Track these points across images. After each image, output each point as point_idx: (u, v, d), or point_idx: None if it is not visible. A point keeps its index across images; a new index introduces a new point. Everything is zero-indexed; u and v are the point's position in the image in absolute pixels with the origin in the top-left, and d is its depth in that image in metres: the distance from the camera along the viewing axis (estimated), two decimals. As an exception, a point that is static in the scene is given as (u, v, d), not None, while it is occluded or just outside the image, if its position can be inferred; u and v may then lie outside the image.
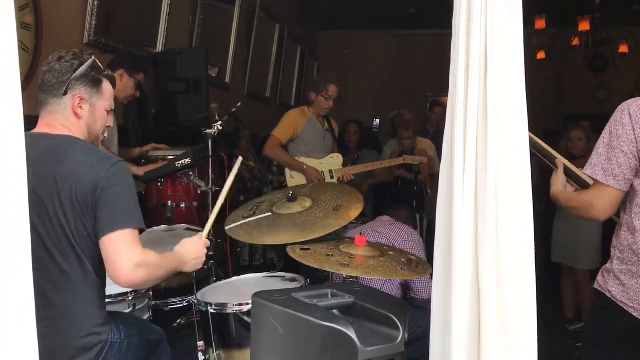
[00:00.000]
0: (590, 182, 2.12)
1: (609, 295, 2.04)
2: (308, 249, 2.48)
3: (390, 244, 2.97)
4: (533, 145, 2.36)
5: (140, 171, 3.61)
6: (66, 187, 1.87)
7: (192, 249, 2.16)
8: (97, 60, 2.07)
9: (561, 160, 2.27)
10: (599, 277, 2.12)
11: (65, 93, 1.96)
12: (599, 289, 2.10)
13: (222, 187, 3.72)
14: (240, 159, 2.45)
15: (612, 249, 2.09)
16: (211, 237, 2.41)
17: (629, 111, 1.97)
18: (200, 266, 2.21)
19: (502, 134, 1.62)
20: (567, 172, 2.26)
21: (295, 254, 2.41)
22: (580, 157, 4.17)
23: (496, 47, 1.60)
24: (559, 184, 2.22)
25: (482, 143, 1.63)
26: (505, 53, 1.60)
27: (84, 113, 2.00)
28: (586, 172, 2.06)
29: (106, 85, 2.07)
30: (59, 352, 1.89)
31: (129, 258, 1.86)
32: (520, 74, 1.62)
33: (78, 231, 1.89)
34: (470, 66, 1.62)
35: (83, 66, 1.98)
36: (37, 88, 2.01)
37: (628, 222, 2.03)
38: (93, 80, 2.01)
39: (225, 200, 2.41)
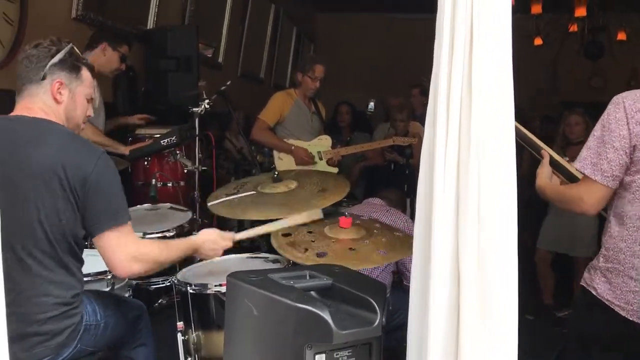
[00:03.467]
0: (577, 174, 2.06)
1: (595, 293, 1.99)
2: (290, 235, 2.46)
3: None
4: (519, 135, 2.31)
5: (127, 150, 3.58)
6: (46, 172, 1.83)
7: (213, 244, 2.24)
8: (76, 48, 2.06)
9: (547, 150, 2.21)
10: (586, 274, 2.07)
11: (43, 78, 1.94)
12: (585, 285, 2.04)
13: (209, 166, 3.73)
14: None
15: (601, 245, 2.05)
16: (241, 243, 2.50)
17: (623, 105, 1.89)
18: (213, 257, 2.35)
19: (487, 114, 1.56)
20: (553, 163, 2.20)
21: (276, 240, 2.40)
22: (578, 143, 4.11)
23: (482, 22, 1.54)
24: (544, 175, 2.15)
25: (465, 123, 1.58)
26: (492, 29, 1.54)
27: (63, 98, 1.97)
28: (575, 166, 1.99)
29: (85, 72, 2.05)
30: (26, 338, 1.85)
31: (126, 253, 1.92)
32: (507, 52, 1.56)
33: (51, 215, 1.85)
34: (455, 42, 1.56)
35: (61, 52, 1.97)
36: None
37: (615, 218, 1.97)
38: (72, 67, 2.00)
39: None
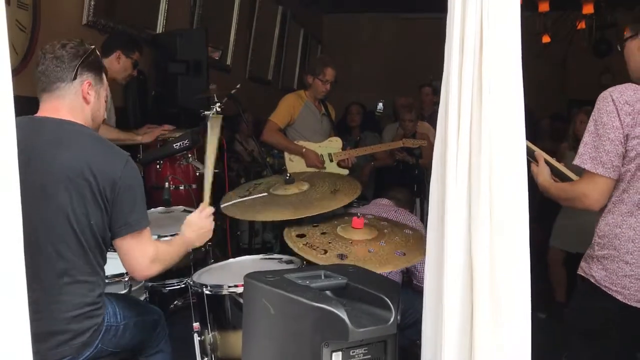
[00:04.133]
0: (571, 175, 2.14)
1: (593, 281, 2.05)
2: (304, 235, 2.48)
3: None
4: None
5: (143, 138, 3.63)
6: (74, 175, 1.87)
7: (195, 224, 2.23)
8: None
9: (540, 153, 2.25)
10: (583, 264, 2.12)
11: (75, 78, 1.97)
12: (583, 274, 2.10)
13: (221, 169, 3.75)
14: (216, 116, 2.42)
15: (594, 236, 2.10)
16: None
17: (611, 98, 1.97)
18: (210, 235, 2.29)
19: (497, 110, 1.58)
20: (547, 164, 2.24)
21: (292, 242, 2.42)
22: None
23: (492, 21, 1.56)
24: (545, 174, 2.20)
25: (476, 120, 1.60)
26: (501, 28, 1.56)
27: (91, 99, 2.02)
28: (575, 162, 2.05)
29: (104, 76, 2.12)
30: (51, 337, 1.89)
31: (145, 256, 1.98)
32: (516, 50, 1.58)
33: (81, 217, 1.89)
34: (466, 40, 1.59)
35: (88, 53, 2.01)
36: (36, 74, 2.00)
37: (609, 205, 2.03)
38: (98, 68, 2.05)
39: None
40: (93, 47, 2.06)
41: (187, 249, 2.22)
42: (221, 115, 2.43)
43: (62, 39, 2.02)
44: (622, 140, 1.96)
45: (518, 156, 1.61)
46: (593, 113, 2.02)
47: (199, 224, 2.23)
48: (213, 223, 2.28)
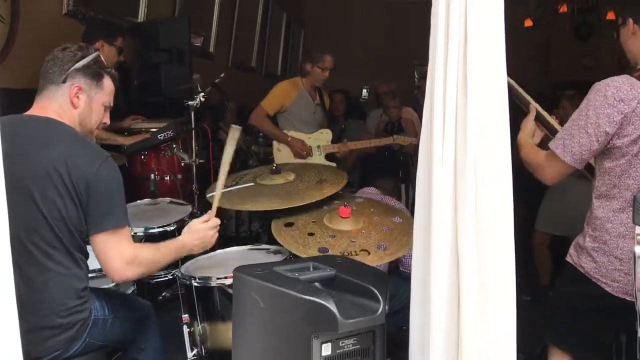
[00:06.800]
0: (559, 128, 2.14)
1: (582, 270, 2.06)
2: (292, 224, 2.49)
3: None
4: (510, 88, 2.35)
5: (126, 140, 3.59)
6: (51, 171, 1.86)
7: (196, 234, 2.15)
8: (102, 57, 2.09)
9: (535, 106, 2.26)
10: (572, 251, 2.14)
11: (64, 81, 1.97)
12: (571, 262, 2.12)
13: (206, 159, 3.74)
14: (236, 128, 2.24)
15: (585, 225, 2.11)
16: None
17: (604, 93, 1.93)
18: (210, 246, 2.22)
19: (482, 98, 1.60)
20: (539, 118, 2.26)
21: (279, 234, 2.42)
22: None
23: (476, 8, 1.57)
24: (527, 130, 2.22)
25: (461, 106, 1.62)
26: (485, 14, 1.57)
27: (80, 103, 2.00)
28: (549, 145, 2.05)
29: (107, 81, 2.08)
30: (39, 332, 1.89)
31: (121, 257, 1.93)
32: (500, 36, 1.59)
33: (54, 211, 1.88)
34: (450, 28, 1.60)
35: (86, 58, 2.00)
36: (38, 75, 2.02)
37: (600, 200, 2.04)
38: (94, 74, 2.02)
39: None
40: (97, 53, 2.04)
41: (181, 255, 2.16)
42: (240, 127, 2.26)
43: (68, 43, 2.03)
44: (602, 139, 1.94)
45: (503, 142, 1.62)
46: (583, 102, 1.99)
47: (202, 233, 2.15)
48: (217, 235, 2.19)
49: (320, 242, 2.37)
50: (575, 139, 1.97)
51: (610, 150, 1.98)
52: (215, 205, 2.23)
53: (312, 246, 2.33)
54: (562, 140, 2.00)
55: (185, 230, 2.18)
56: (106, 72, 2.08)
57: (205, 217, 2.19)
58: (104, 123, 2.13)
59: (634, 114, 1.91)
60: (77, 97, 1.99)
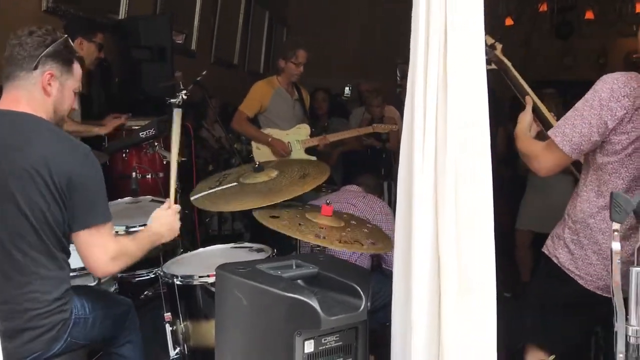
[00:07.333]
0: (554, 123, 2.11)
1: (556, 261, 2.08)
2: (278, 217, 2.47)
3: (364, 217, 2.99)
4: (508, 76, 2.36)
5: (102, 130, 3.54)
6: (32, 170, 1.83)
7: (162, 220, 2.19)
8: (70, 41, 2.03)
9: (532, 97, 2.24)
10: (549, 242, 2.15)
11: (35, 68, 1.90)
12: (547, 253, 2.13)
13: (189, 157, 3.73)
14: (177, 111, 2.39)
15: (565, 215, 2.12)
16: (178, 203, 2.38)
17: (611, 86, 1.91)
18: (177, 233, 2.24)
19: (463, 97, 1.61)
20: (535, 111, 2.25)
21: (266, 221, 2.39)
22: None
23: (457, 7, 1.59)
24: (525, 122, 2.20)
25: (442, 105, 1.63)
26: (465, 13, 1.59)
27: (53, 91, 1.95)
28: (549, 132, 2.04)
29: (76, 66, 2.04)
30: (20, 334, 1.87)
31: (105, 253, 1.92)
32: (480, 34, 1.61)
33: (37, 211, 1.85)
34: (431, 28, 1.61)
35: (56, 43, 1.93)
36: (2, 60, 1.95)
37: (586, 194, 2.04)
38: (65, 59, 1.97)
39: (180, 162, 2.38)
40: (65, 36, 1.98)
41: (155, 244, 2.16)
42: (181, 110, 2.37)
43: (32, 26, 1.94)
44: (602, 131, 1.92)
45: (483, 141, 1.64)
46: (589, 92, 1.96)
47: (167, 219, 2.19)
48: (179, 223, 2.22)
49: (313, 230, 2.36)
50: (577, 128, 1.94)
51: (604, 145, 1.96)
52: (172, 192, 2.28)
53: (307, 233, 2.32)
54: (563, 129, 1.98)
55: (151, 219, 2.19)
56: (75, 57, 2.03)
57: (165, 204, 2.23)
58: (73, 109, 2.11)
59: (636, 112, 1.90)
60: (50, 84, 1.93)
